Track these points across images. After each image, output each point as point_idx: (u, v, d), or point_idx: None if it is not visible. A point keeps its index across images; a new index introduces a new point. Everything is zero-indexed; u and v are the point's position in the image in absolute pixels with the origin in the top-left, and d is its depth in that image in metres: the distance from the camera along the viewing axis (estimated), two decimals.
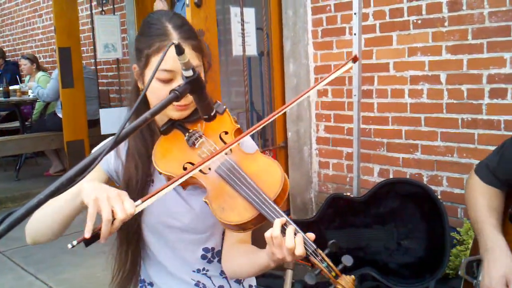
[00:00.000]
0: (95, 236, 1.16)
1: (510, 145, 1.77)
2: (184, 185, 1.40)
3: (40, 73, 7.06)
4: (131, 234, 1.53)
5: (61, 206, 1.33)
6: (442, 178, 3.32)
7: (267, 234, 1.21)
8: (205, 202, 1.33)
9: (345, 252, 3.06)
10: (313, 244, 1.21)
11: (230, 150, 1.40)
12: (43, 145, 6.16)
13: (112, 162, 1.56)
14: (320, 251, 1.22)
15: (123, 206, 1.18)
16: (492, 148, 1.88)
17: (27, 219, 0.85)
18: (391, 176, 3.59)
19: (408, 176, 3.49)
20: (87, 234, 1.14)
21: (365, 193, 3.07)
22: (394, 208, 2.96)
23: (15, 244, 4.17)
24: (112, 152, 1.56)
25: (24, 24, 8.91)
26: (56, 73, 5.80)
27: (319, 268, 1.21)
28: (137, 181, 1.50)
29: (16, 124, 7.10)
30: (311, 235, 1.22)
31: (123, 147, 1.57)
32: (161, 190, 1.23)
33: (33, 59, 7.19)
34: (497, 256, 1.62)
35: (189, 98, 1.40)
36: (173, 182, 1.24)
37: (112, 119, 5.38)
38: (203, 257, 1.57)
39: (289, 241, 1.17)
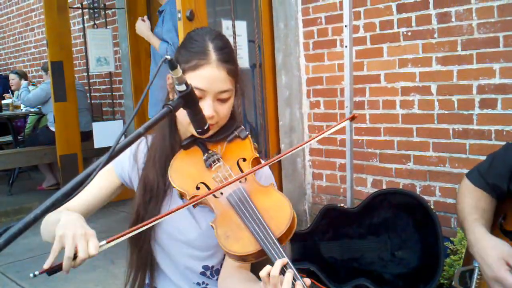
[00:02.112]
0: (57, 268, 1.18)
1: (501, 152, 1.80)
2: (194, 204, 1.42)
3: (30, 88, 7.05)
4: (144, 244, 1.55)
5: (51, 227, 1.35)
6: (435, 188, 3.34)
7: (263, 273, 1.21)
8: (212, 226, 1.34)
9: (339, 262, 3.07)
10: None
11: (245, 178, 1.41)
12: (36, 159, 6.14)
13: (126, 166, 1.58)
14: None
15: (87, 246, 1.20)
16: (484, 157, 1.90)
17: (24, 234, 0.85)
18: (384, 187, 3.61)
19: (401, 187, 3.51)
20: (46, 266, 1.17)
21: (358, 203, 3.08)
22: (387, 218, 2.97)
23: (8, 259, 4.14)
24: (128, 157, 1.58)
25: (16, 38, 8.91)
26: (45, 85, 5.80)
27: None
28: (155, 191, 1.52)
29: (9, 138, 7.08)
30: (308, 282, 1.22)
31: (142, 152, 1.59)
32: (156, 219, 1.26)
33: (21, 74, 7.19)
34: (484, 244, 1.62)
35: (213, 119, 1.42)
36: (171, 212, 1.26)
37: (105, 133, 5.39)
38: (203, 274, 1.58)
39: (286, 286, 1.17)
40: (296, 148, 1.43)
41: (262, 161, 1.49)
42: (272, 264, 1.22)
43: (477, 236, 1.66)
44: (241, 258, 1.29)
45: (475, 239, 1.66)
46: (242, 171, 1.43)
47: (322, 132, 1.41)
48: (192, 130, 1.47)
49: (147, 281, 1.65)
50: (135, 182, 1.58)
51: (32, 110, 6.63)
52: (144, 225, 1.25)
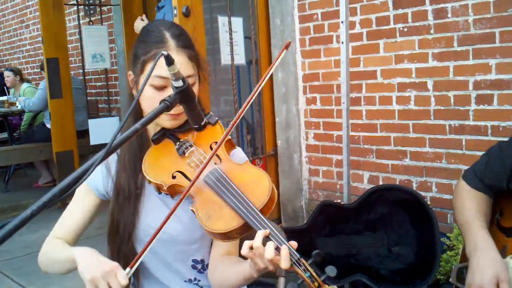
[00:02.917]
0: None
1: (496, 152, 1.80)
2: (172, 193, 1.41)
3: (25, 85, 7.03)
4: (123, 247, 1.53)
5: (61, 263, 1.44)
6: (431, 184, 3.35)
7: (244, 249, 1.22)
8: (192, 210, 1.33)
9: (336, 258, 3.08)
10: (296, 254, 1.21)
11: (220, 159, 1.40)
12: (32, 156, 6.13)
13: (100, 181, 1.57)
14: (304, 261, 1.21)
15: (117, 280, 1.24)
16: (480, 153, 1.90)
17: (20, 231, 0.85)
18: (380, 183, 3.61)
19: (397, 183, 3.51)
20: None
21: (355, 200, 3.08)
22: (384, 214, 2.98)
23: (5, 256, 4.13)
24: (100, 172, 1.57)
25: (11, 35, 8.87)
26: (44, 83, 5.78)
27: (302, 277, 1.21)
28: (128, 193, 1.51)
29: (5, 135, 7.05)
30: (294, 244, 1.22)
31: (113, 161, 1.57)
32: (152, 238, 1.26)
33: (16, 71, 7.16)
34: (488, 255, 1.63)
35: (181, 108, 1.41)
36: (170, 214, 1.25)
37: (101, 129, 5.37)
38: (193, 267, 1.57)
39: (269, 253, 1.18)
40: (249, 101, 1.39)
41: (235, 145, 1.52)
42: None
43: (483, 245, 1.65)
44: (226, 236, 1.28)
45: (486, 247, 1.65)
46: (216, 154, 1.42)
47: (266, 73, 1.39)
48: (162, 122, 1.48)
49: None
50: (112, 190, 1.56)
51: (28, 109, 6.60)
52: (156, 234, 1.27)
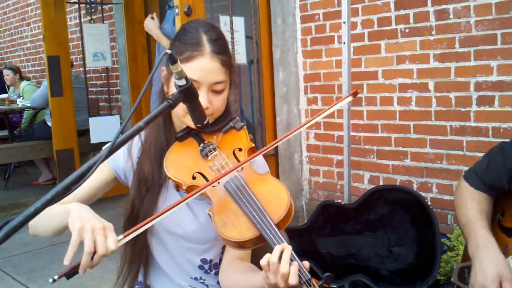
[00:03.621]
0: (76, 268, 1.16)
1: (497, 152, 1.80)
2: (190, 193, 1.41)
3: (24, 83, 7.04)
4: (138, 236, 1.53)
5: (57, 216, 1.33)
6: (432, 184, 3.35)
7: (264, 262, 1.21)
8: (209, 214, 1.34)
9: (336, 258, 3.08)
10: (308, 274, 1.21)
11: (241, 168, 1.41)
12: (32, 154, 6.12)
13: (121, 161, 1.57)
14: (314, 282, 1.22)
15: (106, 241, 1.17)
16: (481, 154, 1.91)
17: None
18: (381, 183, 3.61)
19: (398, 183, 3.52)
20: (66, 262, 1.13)
21: (355, 200, 3.09)
22: (384, 214, 2.98)
23: (5, 254, 4.13)
24: (123, 152, 1.57)
25: (12, 32, 8.87)
26: (46, 82, 5.78)
27: None
28: (150, 183, 1.51)
29: (5, 133, 7.05)
30: (306, 264, 1.22)
31: (136, 146, 1.58)
32: (161, 213, 1.25)
33: (15, 69, 7.17)
34: (491, 254, 1.63)
35: (208, 110, 1.41)
36: (176, 205, 1.25)
37: (102, 128, 5.37)
38: (201, 267, 1.57)
39: (284, 267, 1.17)
40: (293, 132, 1.42)
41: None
42: (271, 250, 1.22)
43: (486, 245, 1.66)
44: (239, 245, 1.28)
45: (485, 247, 1.65)
46: (238, 161, 1.42)
47: (323, 111, 1.41)
48: (187, 122, 1.47)
49: (140, 278, 1.64)
50: (130, 176, 1.57)
51: (28, 104, 6.60)
52: (157, 216, 1.24)
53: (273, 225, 1.25)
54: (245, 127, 1.51)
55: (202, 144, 1.48)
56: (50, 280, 1.12)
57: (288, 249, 1.20)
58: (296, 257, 1.22)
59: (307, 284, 1.20)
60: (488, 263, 1.61)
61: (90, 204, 1.56)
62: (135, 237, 1.52)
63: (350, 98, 1.43)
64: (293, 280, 1.17)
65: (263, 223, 1.26)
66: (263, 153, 1.38)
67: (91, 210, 1.30)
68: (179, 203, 1.26)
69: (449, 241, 2.96)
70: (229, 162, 1.42)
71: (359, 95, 3.65)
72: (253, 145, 1.48)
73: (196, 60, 1.41)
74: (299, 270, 1.20)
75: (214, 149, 1.46)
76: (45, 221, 1.40)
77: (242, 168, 1.41)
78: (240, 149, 1.46)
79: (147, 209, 1.51)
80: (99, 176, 1.54)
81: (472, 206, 1.77)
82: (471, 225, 1.73)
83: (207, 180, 1.39)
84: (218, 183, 1.37)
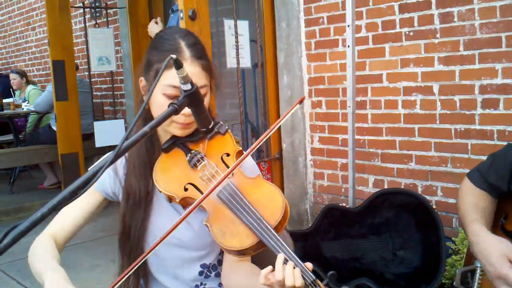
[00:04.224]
0: None
1: (501, 153, 1.81)
2: (184, 205, 1.41)
3: (30, 87, 7.06)
4: (134, 250, 1.52)
5: (36, 272, 1.38)
6: (437, 188, 3.35)
7: (266, 271, 1.22)
8: (206, 225, 1.34)
9: (341, 262, 3.07)
10: (312, 275, 1.21)
11: (232, 173, 1.41)
12: (37, 158, 6.14)
13: (107, 181, 1.56)
14: (319, 282, 1.22)
15: None
16: (486, 158, 1.91)
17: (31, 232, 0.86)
18: (385, 187, 3.61)
19: (402, 186, 3.51)
20: None
21: (360, 203, 3.09)
22: (389, 218, 2.98)
23: (9, 258, 4.14)
24: (107, 173, 1.56)
25: (17, 37, 8.91)
26: (51, 86, 5.80)
27: None
28: (138, 197, 1.51)
29: (10, 137, 7.08)
30: (309, 265, 1.23)
31: (120, 164, 1.57)
32: (164, 237, 1.25)
33: (22, 73, 7.20)
34: (485, 242, 1.63)
35: (191, 118, 1.41)
36: (176, 226, 1.25)
37: (106, 132, 5.39)
38: (200, 273, 1.57)
39: (289, 279, 1.18)
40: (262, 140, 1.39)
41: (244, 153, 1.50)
42: (271, 253, 1.23)
43: (477, 237, 1.67)
44: (241, 253, 1.29)
45: (476, 240, 1.67)
46: (227, 166, 1.42)
47: (279, 120, 1.41)
48: (172, 130, 1.47)
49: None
50: (120, 194, 1.56)
51: (33, 109, 6.63)
52: (160, 241, 1.26)
53: (272, 230, 1.26)
54: (229, 130, 1.50)
55: (189, 154, 1.47)
56: None
57: (290, 256, 1.21)
58: (299, 261, 1.22)
59: (313, 285, 1.21)
60: (488, 251, 1.61)
61: (86, 224, 1.57)
62: (132, 254, 1.51)
63: (298, 106, 1.43)
64: (298, 283, 1.18)
65: (261, 229, 1.26)
66: (249, 155, 1.38)
67: (65, 278, 1.30)
68: (179, 222, 1.26)
69: (454, 245, 2.95)
70: (219, 170, 1.42)
71: (363, 99, 3.65)
72: (240, 148, 1.47)
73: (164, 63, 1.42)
74: (303, 272, 1.21)
75: (202, 158, 1.46)
76: (33, 269, 1.42)
77: (232, 174, 1.40)
78: (228, 154, 1.46)
79: (138, 223, 1.50)
80: (89, 200, 1.53)
81: (470, 201, 1.79)
82: (465, 221, 1.76)
83: (199, 190, 1.39)
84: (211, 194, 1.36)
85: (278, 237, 1.25)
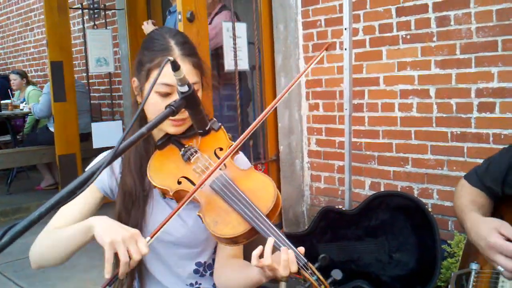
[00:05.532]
0: (115, 278, 1.24)
1: (497, 156, 1.83)
2: (177, 198, 1.42)
3: (30, 87, 7.07)
4: None
5: (72, 239, 1.37)
6: (433, 191, 3.36)
7: (255, 262, 1.23)
8: (199, 216, 1.35)
9: (337, 264, 3.08)
10: (303, 258, 1.23)
11: (225, 165, 1.43)
12: (34, 159, 6.15)
13: (105, 179, 1.58)
14: (311, 265, 1.24)
15: (137, 247, 1.22)
16: (481, 161, 1.93)
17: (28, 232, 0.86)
18: (382, 189, 3.62)
19: (399, 189, 3.52)
20: (107, 275, 1.19)
21: (356, 206, 3.10)
22: (385, 220, 2.99)
23: (6, 259, 4.14)
24: (105, 170, 1.57)
25: (15, 38, 8.91)
26: (48, 87, 5.80)
27: (309, 281, 1.23)
28: (135, 195, 1.52)
29: (8, 137, 7.08)
30: (302, 249, 1.25)
31: (116, 163, 1.59)
32: (169, 218, 1.28)
33: (22, 74, 7.20)
34: (479, 225, 1.64)
35: (185, 114, 1.43)
36: (178, 209, 1.28)
37: (104, 133, 5.39)
38: (196, 271, 1.58)
39: (284, 265, 1.20)
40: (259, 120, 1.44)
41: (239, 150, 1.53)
42: (264, 241, 1.25)
43: (472, 222, 1.69)
44: (233, 241, 1.30)
45: (471, 225, 1.68)
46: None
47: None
48: (165, 128, 1.49)
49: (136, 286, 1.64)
50: (116, 192, 1.58)
51: (37, 117, 6.63)
52: (163, 224, 1.28)
53: (264, 217, 1.28)
54: (222, 127, 1.52)
55: (183, 149, 1.50)
56: None
57: (282, 240, 1.23)
58: (291, 245, 1.24)
59: (305, 268, 1.23)
60: (480, 228, 1.62)
61: None
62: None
63: (324, 52, 1.46)
64: (293, 268, 1.20)
65: (253, 216, 1.28)
66: (239, 145, 1.40)
67: (111, 219, 1.33)
68: (176, 211, 1.28)
69: (449, 248, 2.96)
70: (212, 162, 1.44)
71: (359, 101, 3.66)
72: (233, 143, 1.49)
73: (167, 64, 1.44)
74: (295, 256, 1.22)
75: (196, 152, 1.48)
76: (54, 246, 1.42)
77: (225, 166, 1.43)
78: (221, 149, 1.49)
79: (134, 221, 1.52)
80: (88, 199, 1.54)
81: (466, 198, 1.81)
82: (463, 214, 1.77)
83: (192, 183, 1.41)
84: (204, 185, 1.38)
85: (270, 224, 1.27)
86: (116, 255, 1.22)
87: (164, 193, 1.45)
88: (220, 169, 1.40)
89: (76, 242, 1.36)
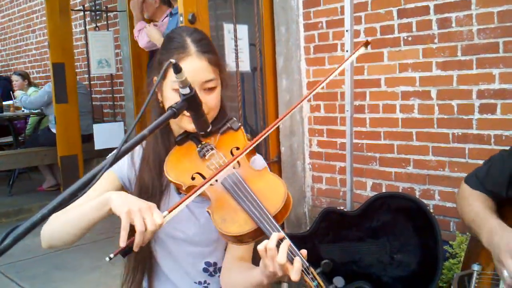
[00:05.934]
0: (130, 246, 1.23)
1: (497, 160, 1.83)
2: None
3: (31, 89, 7.08)
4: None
5: (85, 214, 1.36)
6: (434, 192, 3.36)
7: (261, 247, 1.23)
8: (208, 212, 1.36)
9: (339, 265, 3.08)
10: (305, 262, 1.23)
11: (239, 164, 1.43)
12: (36, 160, 6.16)
13: (125, 169, 1.60)
14: (312, 270, 1.23)
15: (153, 218, 1.24)
16: (482, 162, 1.93)
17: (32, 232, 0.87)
18: (383, 190, 3.62)
19: (400, 190, 3.52)
20: (123, 244, 1.21)
21: (358, 207, 3.10)
22: (387, 222, 2.99)
23: (9, 260, 4.15)
24: (126, 160, 1.60)
25: (17, 39, 8.93)
26: (48, 85, 5.82)
27: (309, 286, 1.23)
28: (152, 190, 1.54)
29: (9, 139, 7.09)
30: (304, 252, 1.24)
31: (137, 155, 1.61)
32: (186, 198, 1.28)
33: (24, 75, 7.22)
34: (504, 233, 1.62)
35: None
36: (194, 192, 1.29)
37: (106, 134, 5.41)
38: (205, 270, 1.59)
39: (281, 256, 1.20)
40: (293, 108, 1.45)
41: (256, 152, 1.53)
42: None
43: (502, 227, 1.65)
44: (238, 239, 1.31)
45: (494, 230, 1.65)
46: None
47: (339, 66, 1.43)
48: (184, 125, 1.51)
49: (144, 285, 1.65)
50: (133, 184, 1.59)
51: (34, 111, 6.65)
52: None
53: (271, 218, 1.28)
54: (242, 127, 1.54)
55: (200, 145, 1.51)
56: (107, 258, 1.19)
57: (286, 241, 1.23)
58: (294, 247, 1.24)
59: (306, 273, 1.22)
60: (504, 239, 1.59)
61: None
62: (140, 249, 1.53)
63: (363, 49, 1.47)
64: (295, 277, 1.20)
65: (260, 216, 1.28)
66: (255, 144, 1.40)
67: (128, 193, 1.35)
68: (182, 201, 1.28)
69: (451, 248, 2.96)
70: (226, 160, 1.44)
71: (361, 103, 3.66)
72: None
73: (183, 61, 1.45)
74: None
75: (212, 149, 1.49)
76: (67, 222, 1.41)
77: (239, 165, 1.44)
78: (237, 148, 1.49)
79: None
80: (106, 187, 1.55)
81: (479, 204, 1.80)
82: (482, 218, 1.74)
83: (205, 179, 1.41)
84: (216, 180, 1.39)
85: (277, 225, 1.27)
86: (131, 227, 1.24)
87: (178, 188, 1.46)
88: (233, 167, 1.41)
89: (90, 217, 1.36)
